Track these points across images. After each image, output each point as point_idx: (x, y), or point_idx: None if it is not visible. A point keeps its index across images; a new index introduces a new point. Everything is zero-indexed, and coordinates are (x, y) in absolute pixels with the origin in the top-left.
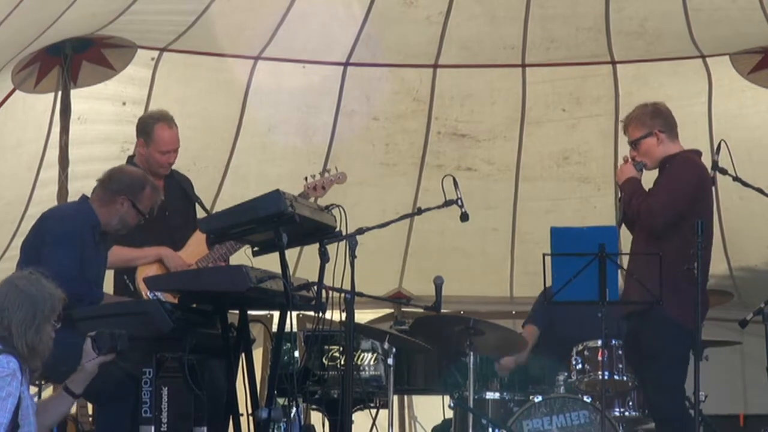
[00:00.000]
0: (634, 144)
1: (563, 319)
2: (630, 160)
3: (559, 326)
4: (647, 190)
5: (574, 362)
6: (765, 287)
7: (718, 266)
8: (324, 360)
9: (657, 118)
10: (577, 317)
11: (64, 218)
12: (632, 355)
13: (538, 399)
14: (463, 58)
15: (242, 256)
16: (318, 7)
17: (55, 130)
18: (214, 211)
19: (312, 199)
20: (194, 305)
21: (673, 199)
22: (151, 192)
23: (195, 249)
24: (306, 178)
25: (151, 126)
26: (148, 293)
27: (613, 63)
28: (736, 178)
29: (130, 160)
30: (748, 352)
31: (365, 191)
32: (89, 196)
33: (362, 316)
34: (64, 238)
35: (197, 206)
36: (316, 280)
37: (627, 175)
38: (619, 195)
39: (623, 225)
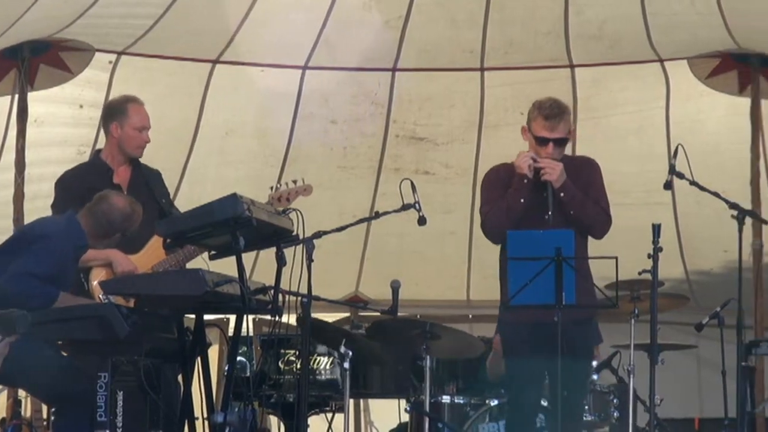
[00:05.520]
0: (564, 141)
1: None
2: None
3: None
4: None
5: None
6: (721, 291)
7: (674, 270)
8: (280, 364)
9: None
10: None
11: (51, 235)
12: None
13: (494, 403)
14: (421, 62)
15: (198, 260)
16: (277, 11)
17: (11, 133)
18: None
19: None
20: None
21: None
22: (137, 219)
23: (153, 252)
24: (271, 188)
25: (125, 105)
26: (101, 296)
27: (572, 67)
28: (692, 183)
29: (98, 154)
30: (703, 355)
31: (323, 195)
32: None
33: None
34: (45, 253)
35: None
36: (273, 283)
37: (565, 176)
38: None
39: None
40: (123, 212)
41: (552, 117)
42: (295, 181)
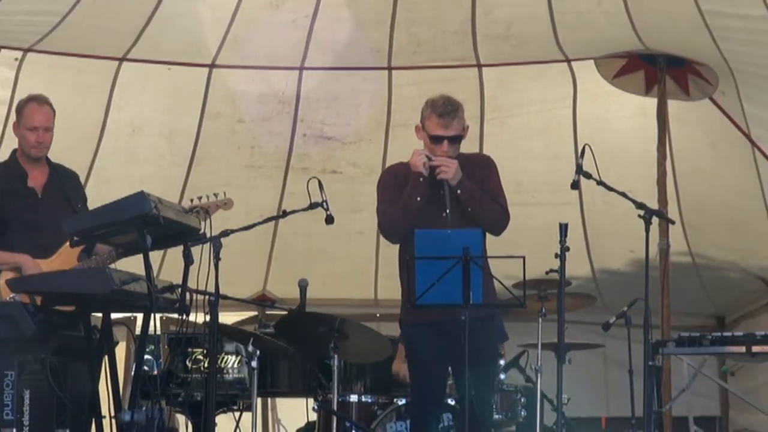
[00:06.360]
0: (458, 138)
1: None
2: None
3: None
4: None
5: None
6: (628, 291)
7: (581, 269)
8: (188, 363)
9: None
10: None
11: None
12: (462, 356)
13: (401, 402)
14: (329, 61)
15: None
16: (184, 9)
17: None
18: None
19: None
20: (57, 307)
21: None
22: None
23: (65, 258)
24: (191, 200)
25: (23, 105)
26: (9, 297)
27: (479, 66)
28: (599, 183)
29: (14, 154)
30: (610, 355)
31: (230, 193)
32: None
33: (226, 318)
34: None
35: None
36: (180, 282)
37: (461, 173)
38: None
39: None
40: None
41: (445, 114)
42: (216, 194)
